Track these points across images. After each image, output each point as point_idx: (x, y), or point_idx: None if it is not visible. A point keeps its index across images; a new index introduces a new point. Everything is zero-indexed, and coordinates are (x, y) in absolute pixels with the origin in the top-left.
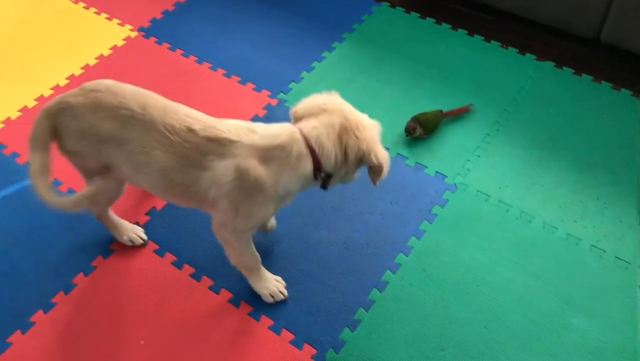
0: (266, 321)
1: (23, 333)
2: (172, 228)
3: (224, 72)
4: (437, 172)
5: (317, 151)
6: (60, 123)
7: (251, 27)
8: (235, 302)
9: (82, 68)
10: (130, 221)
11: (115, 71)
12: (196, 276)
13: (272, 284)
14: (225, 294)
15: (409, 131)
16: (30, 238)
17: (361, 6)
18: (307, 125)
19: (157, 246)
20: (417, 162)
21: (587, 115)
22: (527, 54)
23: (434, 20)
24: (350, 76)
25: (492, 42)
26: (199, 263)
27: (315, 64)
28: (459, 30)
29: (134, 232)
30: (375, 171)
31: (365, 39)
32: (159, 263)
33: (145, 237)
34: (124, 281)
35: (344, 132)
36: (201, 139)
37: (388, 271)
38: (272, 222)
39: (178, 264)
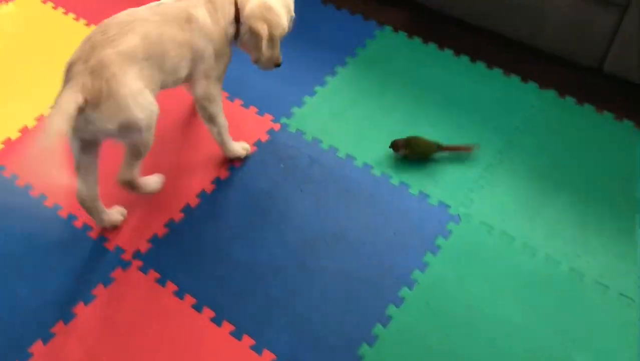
0: (268, 355)
1: None
2: (173, 255)
3: (227, 94)
4: (440, 201)
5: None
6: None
7: None
8: (237, 335)
9: None
10: (130, 248)
11: None
12: (197, 307)
13: (240, 145)
14: (227, 327)
15: (394, 146)
16: (29, 264)
17: (364, 30)
18: None
19: (158, 275)
20: (420, 191)
21: (589, 146)
22: (530, 82)
23: (436, 45)
24: (353, 101)
25: (494, 68)
26: (200, 293)
27: (318, 88)
28: (461, 56)
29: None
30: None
31: (367, 63)
32: (160, 292)
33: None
34: (124, 311)
35: None
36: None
37: (392, 305)
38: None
39: (179, 295)
